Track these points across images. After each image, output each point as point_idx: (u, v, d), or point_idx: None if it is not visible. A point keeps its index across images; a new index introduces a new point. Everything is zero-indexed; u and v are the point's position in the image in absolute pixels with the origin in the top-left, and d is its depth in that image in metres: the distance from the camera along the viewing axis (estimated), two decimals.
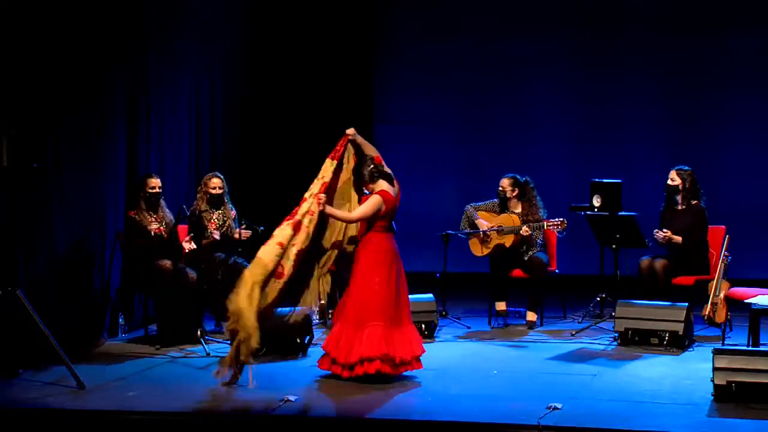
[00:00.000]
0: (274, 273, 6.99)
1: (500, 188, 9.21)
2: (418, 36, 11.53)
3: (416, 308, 7.99)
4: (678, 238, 8.78)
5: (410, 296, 7.54)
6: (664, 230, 8.78)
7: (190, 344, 8.09)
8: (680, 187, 8.94)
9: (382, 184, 7.34)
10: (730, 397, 6.46)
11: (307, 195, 7.20)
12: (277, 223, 7.16)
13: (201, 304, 8.51)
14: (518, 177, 9.22)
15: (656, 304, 8.27)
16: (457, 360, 7.93)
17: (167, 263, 8.25)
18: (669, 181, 8.99)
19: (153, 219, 8.44)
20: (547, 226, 9.00)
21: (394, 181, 7.44)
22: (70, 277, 8.01)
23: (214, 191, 8.84)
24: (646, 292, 8.64)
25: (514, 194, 9.18)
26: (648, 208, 9.27)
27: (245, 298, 6.84)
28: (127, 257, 8.53)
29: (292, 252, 7.05)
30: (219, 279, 8.49)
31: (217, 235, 8.69)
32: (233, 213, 8.93)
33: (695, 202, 8.94)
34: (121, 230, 8.56)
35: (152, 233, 8.37)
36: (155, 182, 8.53)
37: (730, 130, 10.95)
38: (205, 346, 7.95)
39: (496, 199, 9.29)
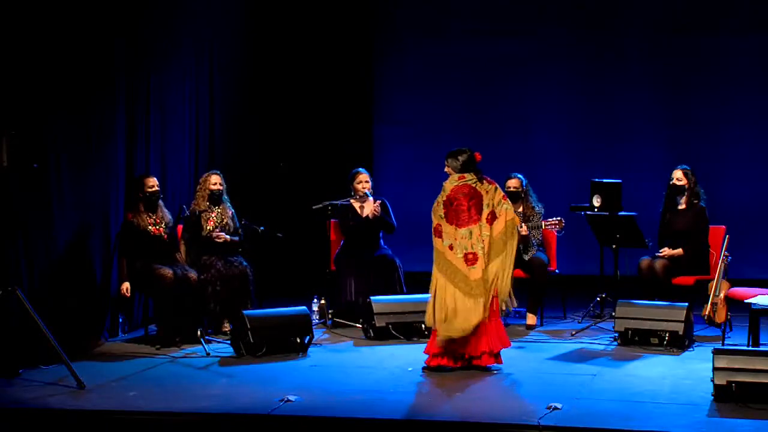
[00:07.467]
0: None
1: (512, 188, 9.16)
2: (418, 35, 11.50)
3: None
4: (679, 251, 8.77)
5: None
6: (664, 250, 8.79)
7: (190, 344, 8.09)
8: (686, 186, 8.93)
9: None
10: (730, 397, 6.46)
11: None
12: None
13: (201, 304, 8.50)
14: (521, 178, 9.21)
15: (656, 304, 8.26)
16: None
17: (168, 272, 8.22)
18: (675, 181, 8.96)
19: (152, 220, 8.43)
20: (545, 225, 8.99)
21: None
22: (70, 277, 8.00)
23: (214, 187, 8.83)
24: (646, 292, 8.64)
25: (522, 193, 9.18)
26: (648, 208, 9.27)
27: None
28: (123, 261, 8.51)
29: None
30: (215, 280, 8.51)
31: (221, 238, 8.68)
32: (230, 212, 8.92)
33: (696, 201, 8.94)
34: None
35: (152, 234, 8.37)
36: (153, 182, 8.50)
37: (730, 130, 10.93)
38: (205, 346, 7.94)
39: None
